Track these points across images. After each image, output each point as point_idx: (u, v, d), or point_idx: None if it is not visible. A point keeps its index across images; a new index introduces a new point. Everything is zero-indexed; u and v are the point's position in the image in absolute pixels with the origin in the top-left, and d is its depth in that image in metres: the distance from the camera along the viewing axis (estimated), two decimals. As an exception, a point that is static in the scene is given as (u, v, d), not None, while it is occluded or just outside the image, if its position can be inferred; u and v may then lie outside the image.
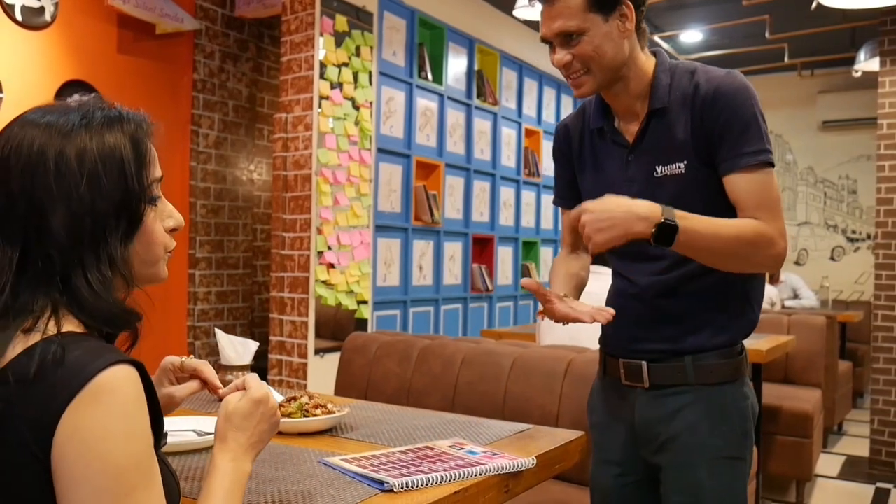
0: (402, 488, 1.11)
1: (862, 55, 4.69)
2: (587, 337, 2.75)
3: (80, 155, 0.83)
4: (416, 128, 4.60)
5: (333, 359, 3.99)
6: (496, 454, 1.32)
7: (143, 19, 3.95)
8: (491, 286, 5.31)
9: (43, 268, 0.81)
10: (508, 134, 5.54)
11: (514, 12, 4.16)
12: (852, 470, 4.24)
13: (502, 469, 1.24)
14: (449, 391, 2.48)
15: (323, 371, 3.91)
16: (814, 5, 3.60)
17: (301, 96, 3.86)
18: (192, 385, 1.15)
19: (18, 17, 3.51)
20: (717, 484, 1.40)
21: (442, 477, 1.15)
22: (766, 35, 5.10)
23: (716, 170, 1.39)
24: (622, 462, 1.52)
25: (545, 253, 6.10)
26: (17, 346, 0.78)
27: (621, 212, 1.28)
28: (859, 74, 5.24)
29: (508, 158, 5.55)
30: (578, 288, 1.61)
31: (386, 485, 1.11)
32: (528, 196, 5.83)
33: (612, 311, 1.32)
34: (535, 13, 4.19)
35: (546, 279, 6.01)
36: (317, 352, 3.92)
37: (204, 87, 4.43)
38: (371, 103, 4.15)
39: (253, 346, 1.82)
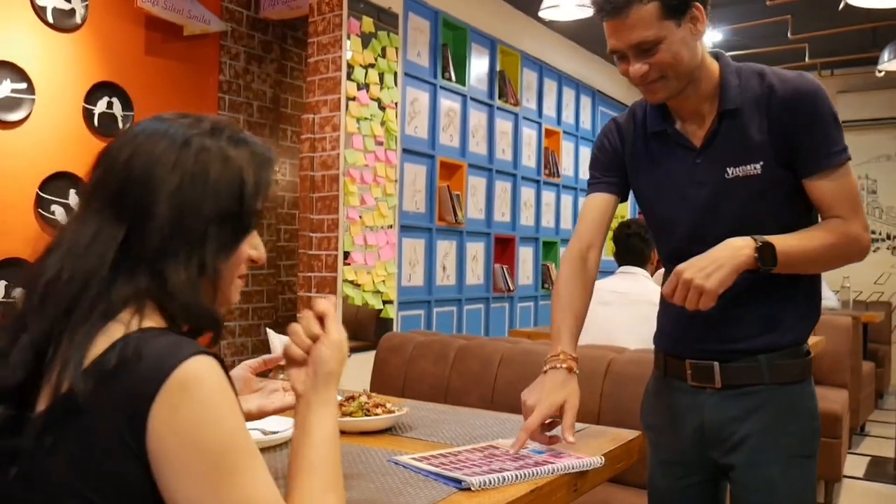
0: (480, 486, 1.12)
1: (886, 55, 4.68)
2: (624, 336, 2.77)
3: (201, 165, 0.87)
4: (440, 128, 4.61)
5: (359, 358, 4.01)
6: (562, 453, 1.33)
7: (171, 21, 3.97)
8: (512, 286, 5.32)
9: (141, 250, 0.84)
10: (529, 134, 5.55)
11: (540, 13, 4.16)
12: (877, 471, 4.23)
13: (573, 468, 1.25)
14: (487, 390, 2.49)
15: (351, 370, 3.92)
16: (841, 5, 3.59)
17: (328, 97, 3.88)
18: (288, 399, 1.16)
19: (50, 18, 3.53)
20: (791, 482, 1.41)
21: (516, 475, 1.17)
22: (788, 35, 5.09)
23: (791, 171, 1.40)
24: (685, 463, 1.52)
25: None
26: (102, 340, 0.80)
27: (719, 252, 1.31)
28: (882, 74, 5.23)
29: (529, 159, 5.56)
30: (578, 333, 1.56)
31: (464, 483, 1.13)
32: (548, 196, 5.84)
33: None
34: (559, 13, 4.20)
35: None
36: (344, 351, 3.94)
37: (229, 89, 4.45)
38: (396, 104, 4.17)
39: None
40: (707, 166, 1.45)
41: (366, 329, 4.17)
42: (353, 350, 3.69)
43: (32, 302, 0.82)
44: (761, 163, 1.40)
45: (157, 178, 0.85)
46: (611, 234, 6.49)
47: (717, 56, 1.47)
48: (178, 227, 0.84)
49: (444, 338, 2.77)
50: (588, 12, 4.13)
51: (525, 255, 5.55)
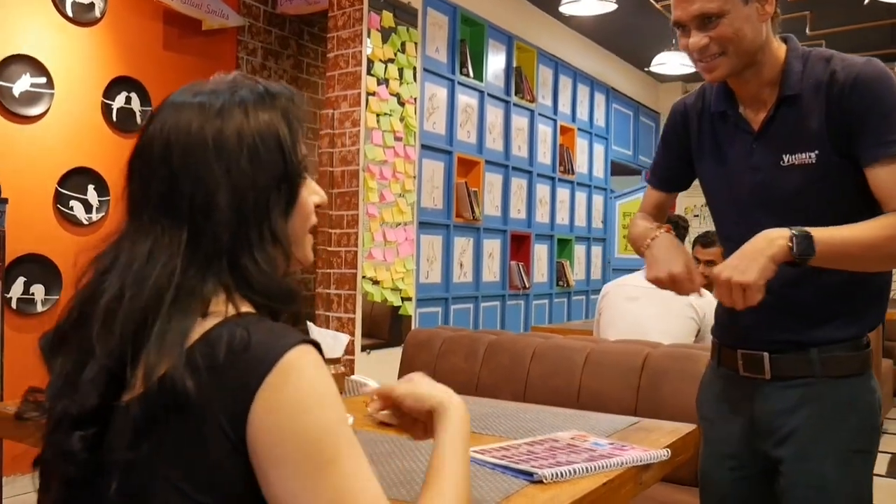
0: (552, 479, 1.09)
1: (906, 51, 4.64)
2: (655, 331, 2.74)
3: (238, 132, 0.82)
4: (458, 124, 4.58)
5: (379, 355, 3.99)
6: (625, 446, 1.30)
7: (189, 15, 3.94)
8: (528, 284, 5.29)
9: (211, 248, 0.80)
10: (544, 131, 5.52)
11: (561, 8, 4.14)
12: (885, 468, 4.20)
13: (641, 460, 1.22)
14: (520, 385, 2.46)
15: (369, 368, 3.90)
16: (867, 0, 3.56)
17: (348, 92, 3.85)
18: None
19: (69, 13, 3.51)
20: (843, 477, 1.38)
21: (587, 468, 1.14)
22: (807, 31, 5.06)
23: (849, 160, 1.36)
24: (737, 455, 1.49)
25: (578, 251, 6.07)
26: (196, 332, 0.76)
27: (751, 246, 1.29)
28: (901, 70, 5.20)
29: (544, 156, 5.53)
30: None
31: (535, 476, 1.10)
32: (563, 193, 5.81)
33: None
34: (580, 8, 4.17)
35: (580, 276, 5.99)
36: (363, 349, 3.91)
37: (246, 84, 4.42)
38: (415, 99, 4.14)
39: (344, 338, 1.81)
40: (763, 152, 1.42)
41: (380, 326, 4.14)
42: (368, 347, 3.66)
43: (92, 325, 0.78)
44: (816, 151, 1.37)
45: (204, 170, 0.80)
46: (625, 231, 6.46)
47: (785, 40, 1.44)
48: (242, 210, 0.80)
49: (472, 333, 2.74)
50: (609, 7, 4.10)
51: (540, 253, 5.52)
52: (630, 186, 6.73)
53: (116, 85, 3.71)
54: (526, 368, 2.47)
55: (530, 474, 1.11)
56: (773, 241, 1.27)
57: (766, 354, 1.43)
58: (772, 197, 1.42)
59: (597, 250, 6.38)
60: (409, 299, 4.16)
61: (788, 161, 1.40)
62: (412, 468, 1.19)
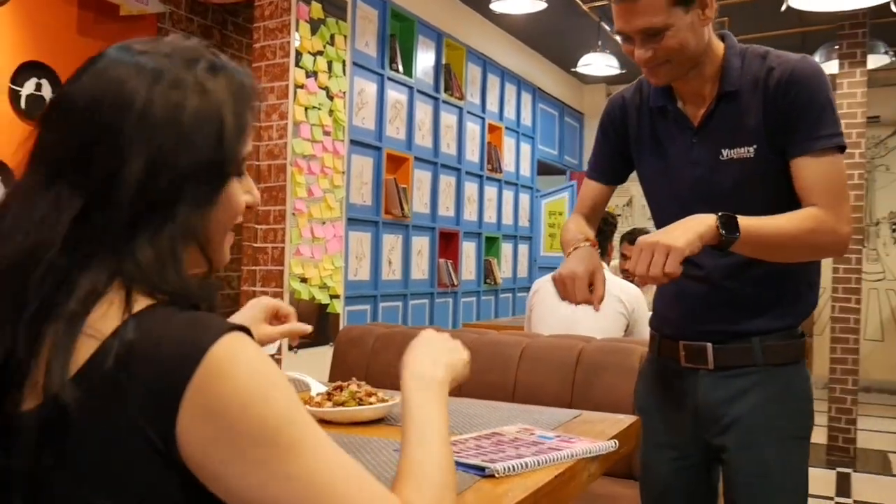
0: (505, 472, 1.07)
1: (817, 57, 4.86)
2: (585, 327, 2.76)
3: (175, 105, 0.72)
4: (387, 120, 4.53)
5: (306, 354, 3.90)
6: (572, 438, 1.29)
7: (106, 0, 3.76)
8: (456, 281, 5.28)
9: (105, 225, 0.69)
10: (472, 129, 5.53)
11: (492, 5, 4.15)
12: (812, 456, 4.40)
13: (590, 452, 1.21)
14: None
15: (297, 367, 3.80)
16: (784, 6, 3.70)
17: (275, 84, 3.75)
18: (284, 327, 1.17)
19: (-27, -8, 3.28)
20: (784, 463, 1.42)
21: (538, 461, 1.12)
22: (724, 36, 5.24)
23: (783, 156, 1.39)
24: (679, 445, 1.51)
25: (506, 249, 6.11)
26: (86, 339, 0.66)
27: (682, 223, 1.29)
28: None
29: (472, 154, 5.54)
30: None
31: (487, 470, 1.07)
32: (491, 192, 5.84)
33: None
34: (511, 6, 4.19)
35: (507, 274, 6.03)
36: (290, 347, 3.82)
37: (167, 74, 4.25)
38: (344, 93, 4.07)
39: (317, 385, 1.68)
40: (702, 147, 1.45)
41: (306, 324, 4.04)
42: (295, 346, 3.55)
43: None
44: (755, 146, 1.40)
45: (124, 138, 0.69)
46: (553, 231, 6.50)
47: (723, 38, 1.47)
48: (150, 190, 0.70)
49: (405, 330, 2.70)
50: (539, 6, 4.14)
51: (468, 251, 5.52)
52: (555, 186, 6.82)
53: (25, 70, 3.49)
54: (461, 364, 2.45)
55: (482, 469, 1.08)
56: (702, 220, 1.28)
57: (709, 345, 1.45)
58: (711, 191, 1.44)
59: (523, 249, 6.44)
60: (338, 297, 4.09)
61: (727, 155, 1.42)
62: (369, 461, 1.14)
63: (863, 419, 4.75)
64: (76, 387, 0.64)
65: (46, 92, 3.58)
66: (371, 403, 1.43)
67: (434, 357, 0.95)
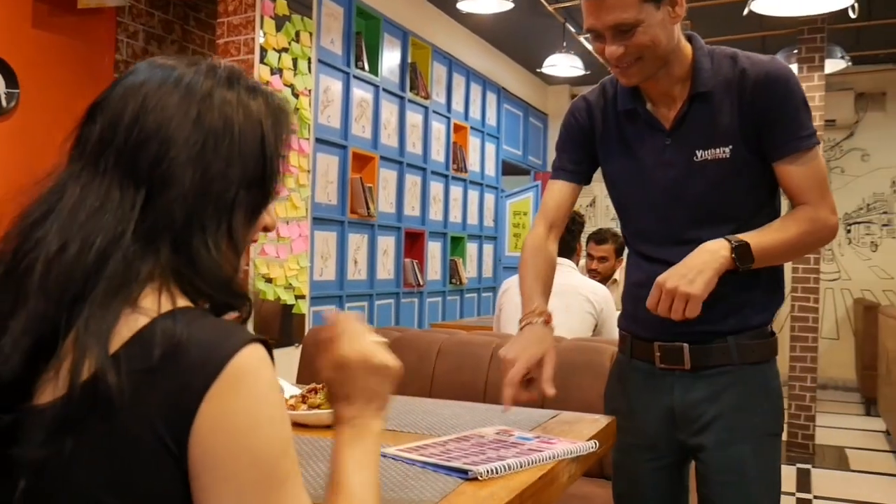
0: (488, 475, 1.05)
1: (776, 61, 4.96)
2: (555, 326, 2.76)
3: (225, 116, 0.75)
4: (353, 118, 4.49)
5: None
6: (552, 439, 1.28)
7: (63, -8, 3.65)
8: (422, 281, 5.26)
9: (161, 222, 0.71)
10: (438, 129, 5.52)
11: (459, 4, 4.13)
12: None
13: (571, 452, 1.20)
14: (426, 382, 2.42)
15: (262, 368, 3.75)
16: (746, 11, 3.76)
17: (240, 81, 3.68)
18: None
19: (-78, -19, 3.16)
20: (761, 461, 1.43)
21: (521, 462, 1.11)
22: (687, 39, 5.31)
23: (759, 156, 1.40)
24: (655, 446, 1.51)
25: (471, 248, 6.11)
26: (126, 326, 0.67)
27: (697, 258, 1.33)
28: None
29: (438, 153, 5.53)
30: (548, 295, 1.58)
31: (470, 473, 1.05)
32: (456, 192, 5.83)
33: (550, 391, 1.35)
34: (478, 6, 4.18)
35: (472, 274, 6.02)
36: (255, 348, 3.75)
37: (126, 69, 4.14)
38: (310, 91, 4.02)
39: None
40: (676, 148, 1.45)
41: (270, 326, 3.98)
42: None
43: (24, 280, 0.67)
44: (730, 146, 1.41)
45: (177, 138, 0.72)
46: (518, 231, 6.51)
47: (690, 38, 1.47)
48: (206, 193, 0.73)
49: (375, 330, 2.67)
50: (506, 6, 4.14)
51: (434, 251, 5.50)
52: (520, 186, 6.84)
53: (-22, 63, 3.38)
54: (432, 365, 2.43)
55: (465, 472, 1.06)
56: (716, 252, 1.32)
57: (685, 345, 1.45)
58: (686, 192, 1.45)
59: (488, 248, 6.45)
60: (303, 297, 4.03)
61: (701, 156, 1.43)
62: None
63: (821, 415, 4.86)
64: (116, 367, 0.64)
65: (0, 86, 3.46)
66: (346, 406, 1.40)
67: (369, 395, 0.86)
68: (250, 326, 3.68)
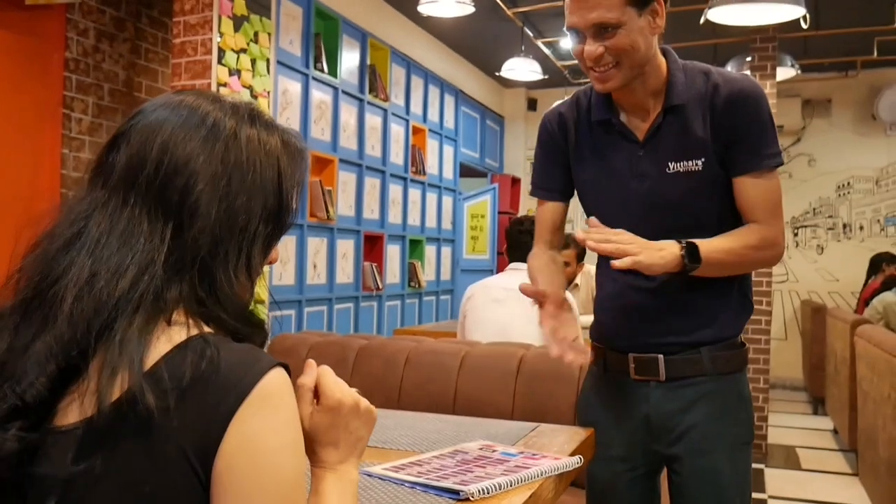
0: (480, 495, 1.04)
1: (729, 68, 5.06)
2: (519, 332, 2.77)
3: (250, 146, 0.78)
4: (312, 121, 4.43)
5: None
6: (535, 454, 1.27)
7: (9, -13, 3.51)
8: (381, 285, 5.22)
9: (188, 252, 0.74)
10: (397, 131, 5.49)
11: (420, 8, 4.11)
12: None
13: (557, 469, 1.20)
14: (393, 393, 2.39)
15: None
16: (702, 20, 3.83)
17: (197, 81, 3.59)
18: None
19: None
20: (735, 469, 1.45)
21: (510, 481, 1.10)
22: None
23: (726, 170, 1.43)
24: (629, 457, 1.52)
25: (429, 251, 6.10)
26: (156, 350, 0.69)
27: (660, 249, 1.35)
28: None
29: (397, 156, 5.50)
30: (564, 284, 1.63)
31: (462, 493, 1.04)
32: (415, 194, 5.80)
33: (587, 355, 1.40)
34: (439, 9, 4.16)
35: (431, 277, 6.01)
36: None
37: (77, 68, 4.01)
38: (269, 93, 3.94)
39: None
40: (649, 160, 1.46)
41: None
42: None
43: (52, 307, 0.68)
44: (703, 159, 1.43)
45: (204, 173, 0.75)
46: (475, 234, 6.50)
47: (665, 52, 1.49)
48: (230, 226, 0.76)
49: (341, 338, 2.64)
50: (467, 10, 4.13)
51: (392, 253, 5.47)
52: (477, 188, 6.86)
53: (-82, 60, 3.23)
54: (400, 374, 2.40)
55: (456, 492, 1.04)
56: (671, 251, 1.35)
57: (660, 356, 1.46)
58: (659, 203, 1.46)
59: (446, 251, 6.44)
60: (262, 302, 3.96)
61: (673, 168, 1.45)
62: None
63: (771, 415, 4.97)
64: (150, 387, 0.65)
65: (-58, 84, 3.31)
66: (325, 422, 1.37)
67: (354, 441, 0.85)
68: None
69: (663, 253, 1.34)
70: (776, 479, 4.12)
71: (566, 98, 1.65)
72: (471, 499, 1.03)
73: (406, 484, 1.10)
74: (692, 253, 1.35)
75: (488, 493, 1.05)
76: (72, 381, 0.68)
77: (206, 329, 0.73)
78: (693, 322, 1.47)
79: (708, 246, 1.37)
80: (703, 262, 1.36)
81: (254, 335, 0.78)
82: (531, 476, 1.14)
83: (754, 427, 1.55)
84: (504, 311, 2.95)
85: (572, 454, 1.31)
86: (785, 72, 4.97)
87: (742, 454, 1.48)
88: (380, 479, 1.13)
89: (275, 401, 0.68)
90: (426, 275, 5.98)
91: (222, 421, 0.66)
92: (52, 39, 3.88)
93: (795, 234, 6.94)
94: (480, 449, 1.31)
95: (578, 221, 5.96)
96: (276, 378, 0.69)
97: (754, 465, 4.31)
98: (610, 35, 1.35)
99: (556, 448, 1.35)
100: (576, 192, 1.63)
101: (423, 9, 4.14)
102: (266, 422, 0.67)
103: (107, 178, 0.75)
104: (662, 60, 1.46)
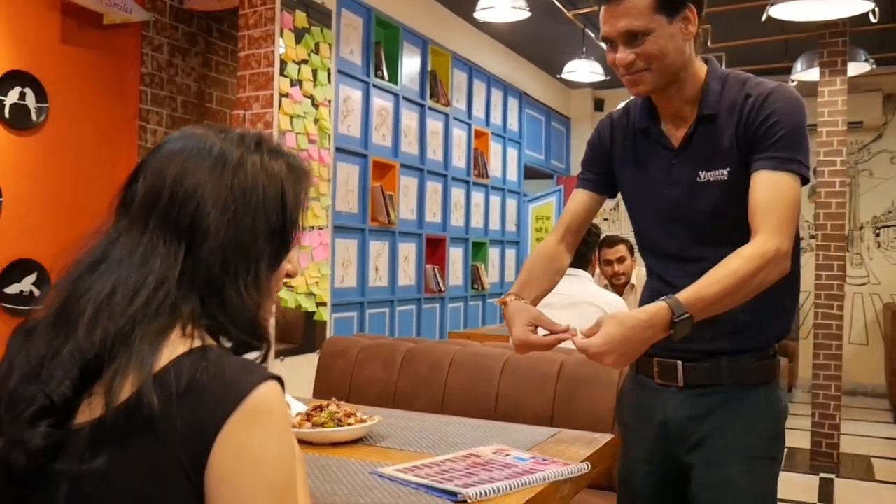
0: (477, 498, 1.08)
1: (799, 65, 4.90)
2: (567, 338, 2.78)
3: (253, 171, 0.86)
4: (373, 127, 4.54)
5: (293, 362, 3.90)
6: (545, 460, 1.31)
7: (89, 8, 3.75)
8: (443, 287, 5.30)
9: (200, 271, 0.81)
10: (459, 135, 5.55)
11: (475, 14, 4.16)
12: (795, 461, 4.43)
13: (562, 475, 1.23)
14: (437, 394, 2.45)
15: (284, 375, 3.80)
16: (764, 17, 3.74)
17: (261, 93, 3.75)
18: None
19: (-45, 1, 3.27)
20: (748, 482, 1.43)
21: (509, 485, 1.14)
22: (708, 44, 5.27)
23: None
24: (652, 461, 1.53)
25: (493, 254, 6.13)
26: (165, 357, 0.76)
27: (643, 333, 1.30)
28: (795, 83, 5.48)
29: (459, 159, 5.56)
30: (542, 296, 1.66)
31: (459, 496, 1.09)
32: (477, 197, 5.85)
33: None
34: (494, 15, 4.20)
35: (494, 279, 6.04)
36: (276, 355, 3.82)
37: (152, 81, 4.24)
38: (330, 102, 4.07)
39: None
40: (682, 168, 1.47)
41: (293, 331, 4.05)
42: (282, 354, 3.57)
43: (76, 320, 0.77)
44: (728, 169, 1.43)
45: (212, 199, 0.83)
46: (541, 235, 6.51)
47: (706, 61, 1.50)
48: (237, 245, 0.83)
49: (390, 341, 2.71)
50: (522, 14, 4.15)
51: (455, 256, 5.53)
52: (542, 190, 6.85)
53: (8, 80, 3.48)
54: (444, 377, 2.46)
55: (454, 494, 1.09)
56: (657, 328, 1.30)
57: (679, 363, 1.47)
58: (689, 212, 1.47)
59: (510, 253, 6.46)
60: (324, 304, 4.09)
61: (704, 177, 1.45)
62: (347, 484, 1.15)
63: (847, 423, 4.79)
64: (155, 391, 0.72)
65: (31, 101, 3.57)
66: (350, 424, 1.44)
67: None
68: (273, 330, 3.74)
69: (645, 336, 1.30)
70: (847, 491, 3.97)
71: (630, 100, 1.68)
72: (468, 501, 1.08)
73: (411, 485, 1.15)
74: (681, 329, 1.29)
75: (486, 495, 1.09)
76: (93, 384, 0.75)
77: (211, 342, 0.80)
78: (715, 331, 1.45)
79: (695, 290, 1.31)
80: (696, 315, 1.30)
81: (257, 346, 0.86)
82: (532, 481, 1.17)
83: (780, 443, 1.51)
84: (552, 315, 2.96)
85: (585, 460, 1.34)
86: (858, 67, 4.77)
87: (761, 469, 1.45)
88: (388, 479, 1.19)
89: (265, 413, 0.73)
90: (490, 277, 6.02)
91: (212, 431, 0.71)
92: (128, 56, 4.12)
93: (877, 235, 6.63)
94: (494, 453, 1.35)
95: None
96: (267, 391, 0.74)
97: (823, 475, 4.18)
98: (640, 42, 1.38)
99: (570, 455, 1.38)
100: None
101: (479, 15, 4.18)
102: (257, 434, 0.72)
103: (128, 208, 0.85)
104: (702, 68, 1.47)
